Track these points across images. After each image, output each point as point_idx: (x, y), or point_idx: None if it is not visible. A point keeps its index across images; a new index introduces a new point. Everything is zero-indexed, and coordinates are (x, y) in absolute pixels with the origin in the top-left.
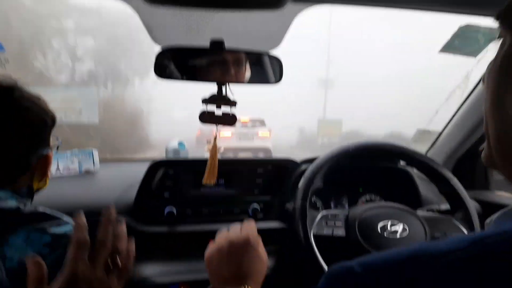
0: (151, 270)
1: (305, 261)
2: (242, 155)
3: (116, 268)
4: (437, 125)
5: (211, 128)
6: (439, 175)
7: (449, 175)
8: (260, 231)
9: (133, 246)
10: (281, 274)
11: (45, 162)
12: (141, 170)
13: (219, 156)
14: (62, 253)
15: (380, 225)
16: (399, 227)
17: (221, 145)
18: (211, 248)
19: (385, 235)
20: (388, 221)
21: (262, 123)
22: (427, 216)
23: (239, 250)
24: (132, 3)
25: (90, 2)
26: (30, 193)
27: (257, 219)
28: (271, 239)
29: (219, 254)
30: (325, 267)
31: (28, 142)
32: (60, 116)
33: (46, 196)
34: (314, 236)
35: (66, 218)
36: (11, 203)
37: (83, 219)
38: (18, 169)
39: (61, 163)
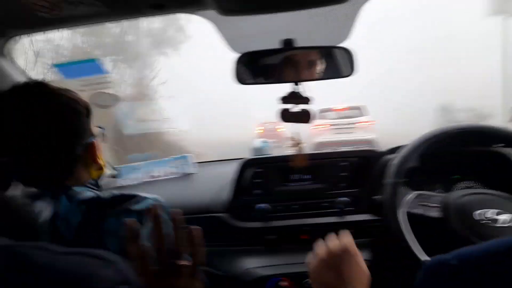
0: (251, 264)
1: (394, 241)
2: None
3: (184, 268)
4: None
5: (274, 125)
6: None
7: None
8: (351, 224)
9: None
10: (376, 267)
11: (92, 149)
12: (232, 169)
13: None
14: (150, 227)
15: (480, 211)
16: (502, 217)
17: (316, 138)
18: (312, 260)
19: (484, 221)
20: (490, 210)
21: (362, 110)
22: None
23: (338, 259)
24: (208, 15)
25: None
26: (97, 185)
27: (346, 213)
28: (362, 232)
29: (321, 265)
30: (413, 243)
31: (66, 133)
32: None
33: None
34: (405, 213)
35: (142, 194)
36: (90, 193)
37: (133, 224)
38: (66, 161)
39: (164, 168)
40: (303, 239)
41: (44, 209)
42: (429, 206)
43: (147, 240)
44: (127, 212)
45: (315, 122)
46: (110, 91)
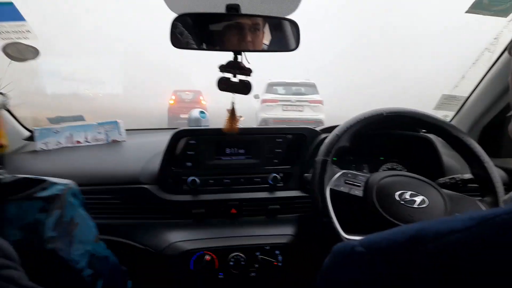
0: (176, 237)
1: (318, 216)
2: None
3: None
4: (463, 91)
5: (196, 95)
6: (475, 157)
7: (486, 158)
8: (280, 199)
9: None
10: (302, 242)
11: None
12: (165, 139)
13: (240, 125)
14: (60, 215)
15: (398, 192)
16: (417, 198)
17: (263, 113)
18: None
19: (402, 202)
20: (407, 191)
21: (313, 88)
22: (453, 194)
23: None
24: None
25: None
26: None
27: (276, 188)
28: (291, 208)
29: None
30: (335, 220)
31: None
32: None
33: (76, 165)
34: (331, 191)
35: (52, 179)
36: None
37: None
38: None
39: (89, 134)
40: (232, 214)
41: None
42: (354, 185)
43: (52, 231)
44: (31, 199)
45: (264, 96)
46: (28, 42)
